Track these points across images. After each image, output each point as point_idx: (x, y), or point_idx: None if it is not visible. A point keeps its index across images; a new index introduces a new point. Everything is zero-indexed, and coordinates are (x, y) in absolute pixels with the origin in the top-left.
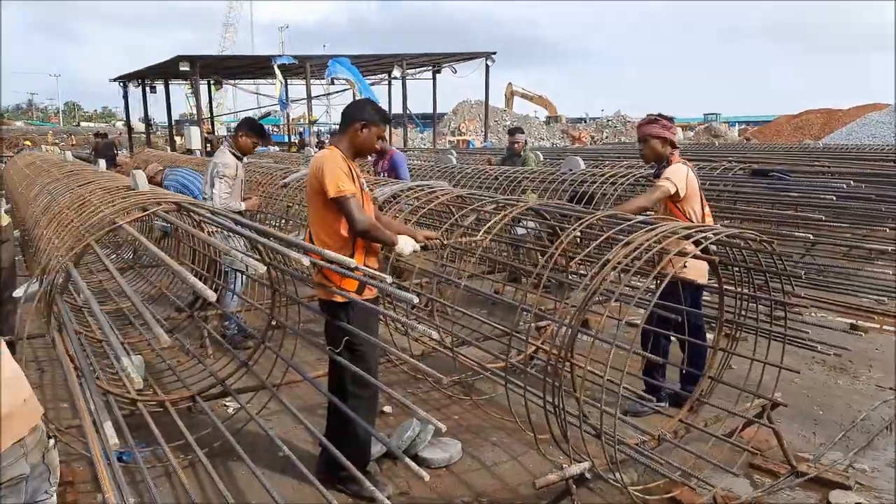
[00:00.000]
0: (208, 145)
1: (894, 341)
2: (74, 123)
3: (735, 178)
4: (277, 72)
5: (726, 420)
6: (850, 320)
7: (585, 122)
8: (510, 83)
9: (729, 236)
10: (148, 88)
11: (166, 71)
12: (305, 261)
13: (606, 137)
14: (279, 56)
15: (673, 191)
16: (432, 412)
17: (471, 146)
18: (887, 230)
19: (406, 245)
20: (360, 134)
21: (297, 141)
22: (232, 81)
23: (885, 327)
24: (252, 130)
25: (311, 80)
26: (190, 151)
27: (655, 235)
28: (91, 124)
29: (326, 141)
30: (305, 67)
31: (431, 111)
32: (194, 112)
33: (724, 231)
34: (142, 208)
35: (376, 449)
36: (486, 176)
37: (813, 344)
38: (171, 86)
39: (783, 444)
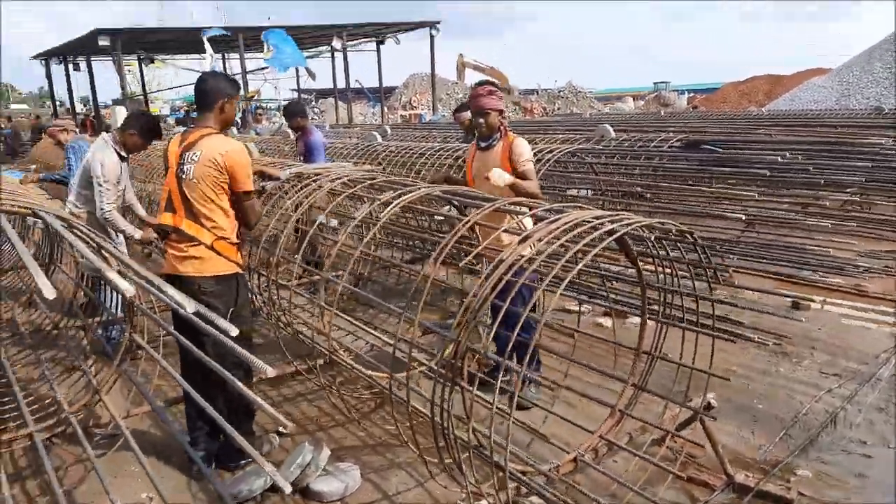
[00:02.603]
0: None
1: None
2: (5, 106)
3: (667, 152)
4: (207, 45)
5: (654, 430)
6: (791, 294)
7: (538, 93)
8: (461, 54)
9: (644, 227)
10: (71, 66)
11: (88, 47)
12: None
13: (558, 109)
14: (209, 28)
15: None
16: (336, 427)
17: (422, 120)
18: (827, 203)
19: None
20: (227, 108)
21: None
22: (162, 57)
23: (828, 302)
24: (145, 132)
25: (248, 54)
26: None
27: (561, 227)
28: (23, 106)
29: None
30: (238, 39)
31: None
32: (136, 90)
33: (637, 222)
34: None
35: (259, 482)
36: (410, 154)
37: (748, 334)
38: (102, 63)
39: (717, 449)
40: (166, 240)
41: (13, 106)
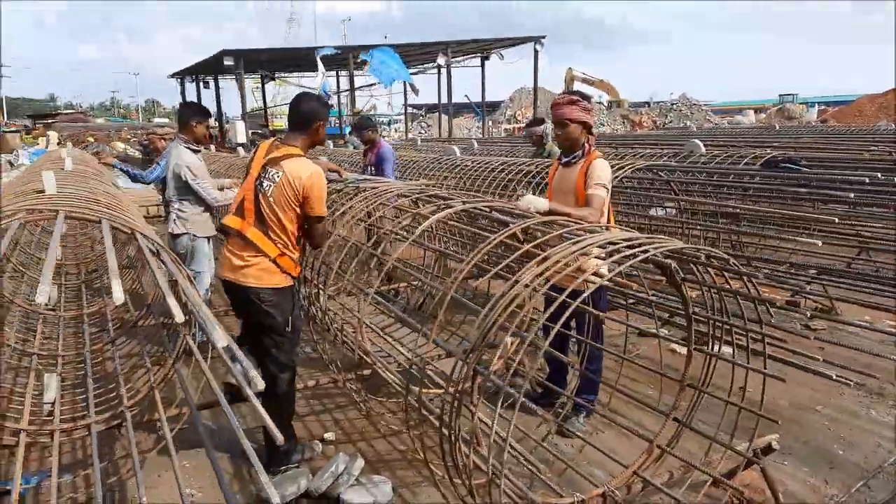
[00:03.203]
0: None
1: None
2: (148, 120)
3: (744, 170)
4: (319, 63)
5: (695, 472)
6: None
7: (650, 105)
8: (570, 68)
9: (672, 251)
10: (201, 84)
11: (215, 66)
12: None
13: (670, 122)
14: (322, 47)
15: (606, 198)
16: (379, 440)
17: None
18: None
19: None
20: (315, 130)
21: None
22: (280, 75)
23: None
24: (200, 115)
25: (359, 72)
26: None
27: (577, 249)
28: (164, 120)
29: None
30: (349, 58)
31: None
32: (261, 106)
33: (665, 245)
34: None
35: (292, 488)
36: (483, 169)
37: (825, 371)
38: (232, 81)
39: (776, 493)
40: (227, 242)
41: (156, 119)
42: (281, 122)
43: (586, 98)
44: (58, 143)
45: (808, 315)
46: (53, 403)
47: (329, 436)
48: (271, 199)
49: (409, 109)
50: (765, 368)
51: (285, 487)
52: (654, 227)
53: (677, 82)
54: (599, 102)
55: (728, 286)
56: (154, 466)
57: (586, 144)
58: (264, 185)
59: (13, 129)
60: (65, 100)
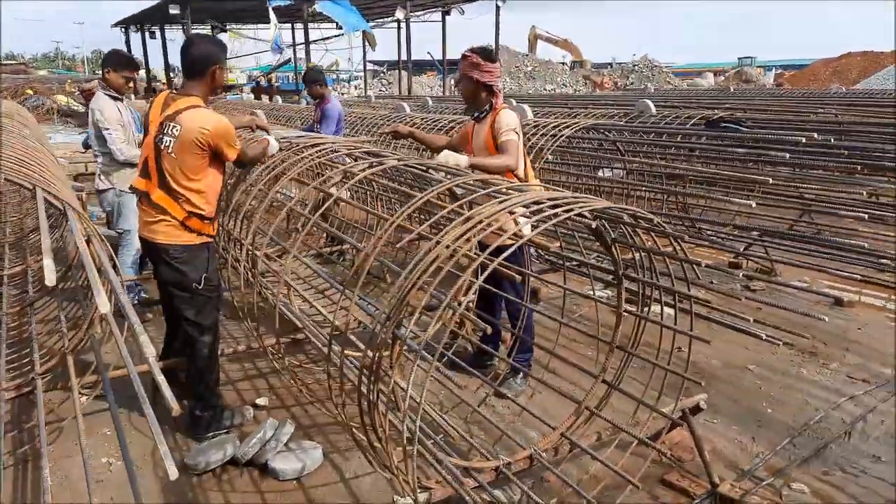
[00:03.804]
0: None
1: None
2: (92, 71)
3: (689, 131)
4: (272, 14)
5: (623, 433)
6: (834, 292)
7: (612, 67)
8: (533, 26)
9: (595, 211)
10: (147, 34)
11: (161, 16)
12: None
13: (631, 83)
14: None
15: (518, 143)
16: (311, 405)
17: None
18: (864, 192)
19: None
20: (217, 77)
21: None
22: (232, 26)
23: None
24: (120, 65)
25: (315, 25)
26: None
27: (501, 208)
28: None
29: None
30: (303, 9)
31: (448, 57)
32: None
33: (590, 204)
34: None
35: (218, 455)
36: (431, 128)
37: (755, 331)
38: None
39: (703, 453)
40: (139, 201)
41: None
42: (233, 78)
43: (491, 60)
44: None
45: (744, 276)
46: None
47: (261, 401)
48: (173, 155)
49: (371, 66)
50: (691, 330)
51: (210, 454)
52: (602, 189)
53: (646, 44)
54: (563, 63)
55: (657, 247)
56: (73, 434)
57: (493, 100)
58: (165, 141)
59: None
60: (5, 51)
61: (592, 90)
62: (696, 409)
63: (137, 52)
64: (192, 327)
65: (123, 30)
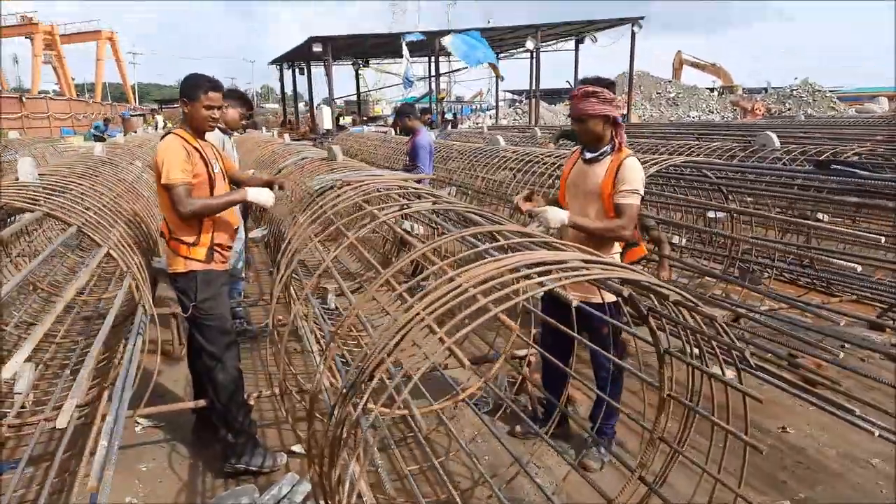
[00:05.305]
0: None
1: None
2: (259, 105)
3: (791, 172)
4: (405, 49)
5: None
6: None
7: (767, 91)
8: (679, 51)
9: (599, 281)
10: (298, 70)
11: (307, 53)
12: None
13: (789, 109)
14: (408, 33)
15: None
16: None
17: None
18: None
19: (260, 195)
20: (187, 111)
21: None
22: (373, 62)
23: None
24: (238, 100)
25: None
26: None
27: (485, 272)
28: (276, 106)
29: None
30: (434, 44)
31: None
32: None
33: (581, 276)
34: None
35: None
36: (528, 161)
37: (864, 425)
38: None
39: None
40: None
41: (267, 105)
42: (380, 108)
43: (608, 86)
44: (163, 126)
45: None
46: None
47: (297, 448)
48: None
49: (510, 95)
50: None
51: (237, 500)
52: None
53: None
54: (711, 88)
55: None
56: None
57: (615, 139)
58: None
59: (138, 112)
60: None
61: (742, 117)
62: None
63: (289, 87)
64: (206, 356)
65: (278, 67)
